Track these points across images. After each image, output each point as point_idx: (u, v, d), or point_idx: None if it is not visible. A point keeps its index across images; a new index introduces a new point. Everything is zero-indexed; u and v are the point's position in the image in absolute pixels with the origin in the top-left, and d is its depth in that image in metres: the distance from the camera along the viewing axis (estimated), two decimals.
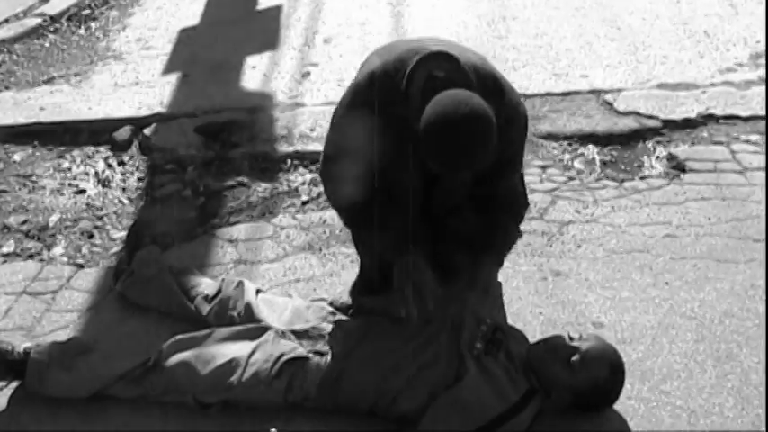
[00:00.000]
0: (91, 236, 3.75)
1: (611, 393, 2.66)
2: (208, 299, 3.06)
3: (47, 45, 5.66)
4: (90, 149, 4.45)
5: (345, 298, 3.11)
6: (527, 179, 3.91)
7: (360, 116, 2.58)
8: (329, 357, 2.71)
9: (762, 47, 5.12)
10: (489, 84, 2.56)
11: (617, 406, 2.71)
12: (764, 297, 3.18)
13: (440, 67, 2.49)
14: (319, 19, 5.84)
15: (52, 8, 6.03)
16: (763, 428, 2.67)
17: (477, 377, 2.61)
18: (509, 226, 2.90)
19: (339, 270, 3.42)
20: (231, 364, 2.70)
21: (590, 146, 4.28)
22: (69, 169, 4.28)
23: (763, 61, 4.95)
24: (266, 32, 5.69)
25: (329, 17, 5.86)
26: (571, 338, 2.63)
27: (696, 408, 2.75)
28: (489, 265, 2.99)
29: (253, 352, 2.73)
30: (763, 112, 4.43)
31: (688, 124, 4.41)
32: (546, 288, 3.29)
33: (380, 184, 2.60)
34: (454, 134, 2.31)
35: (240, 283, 3.06)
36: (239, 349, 2.75)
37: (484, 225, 2.81)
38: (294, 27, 5.75)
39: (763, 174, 3.93)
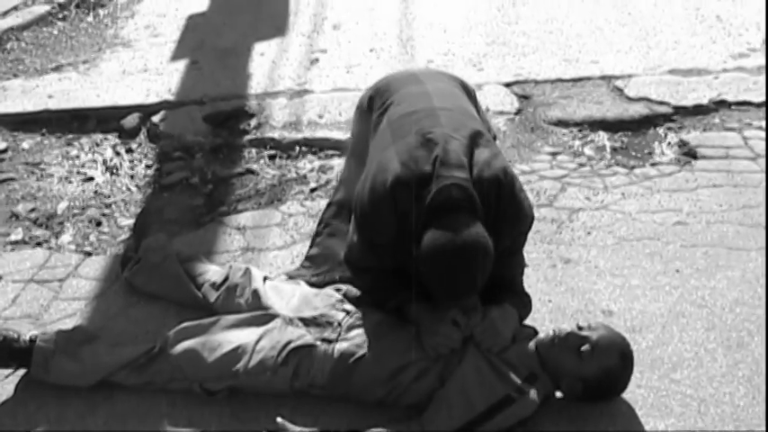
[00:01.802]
0: (99, 224, 3.74)
1: (620, 382, 2.64)
2: (215, 286, 3.05)
3: (55, 32, 5.65)
4: (98, 137, 4.44)
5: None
6: (537, 165, 3.92)
7: (381, 220, 2.68)
8: (343, 345, 2.70)
9: None
10: (497, 185, 2.66)
11: (626, 395, 2.69)
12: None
13: (454, 190, 2.57)
14: (328, 5, 5.81)
15: None
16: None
17: (478, 360, 2.61)
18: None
19: None
20: (237, 352, 2.70)
21: (600, 132, 4.25)
22: (77, 157, 4.27)
23: None
24: (275, 19, 5.66)
25: (338, 3, 5.83)
26: (580, 328, 2.61)
27: (706, 397, 2.72)
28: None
29: (259, 339, 2.72)
30: None
31: (700, 110, 4.37)
32: (555, 275, 3.27)
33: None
34: (450, 268, 2.52)
35: (247, 271, 3.05)
36: (246, 336, 2.74)
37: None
38: (303, 13, 5.72)
39: None
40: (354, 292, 2.96)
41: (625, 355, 2.61)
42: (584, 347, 2.55)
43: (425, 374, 2.63)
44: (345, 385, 2.68)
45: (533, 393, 2.59)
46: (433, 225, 2.54)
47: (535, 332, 2.79)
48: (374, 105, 3.04)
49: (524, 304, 2.88)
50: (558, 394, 2.70)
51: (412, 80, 3.05)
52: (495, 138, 3.02)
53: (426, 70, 3.41)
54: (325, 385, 2.68)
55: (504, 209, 2.67)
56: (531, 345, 2.69)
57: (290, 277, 3.16)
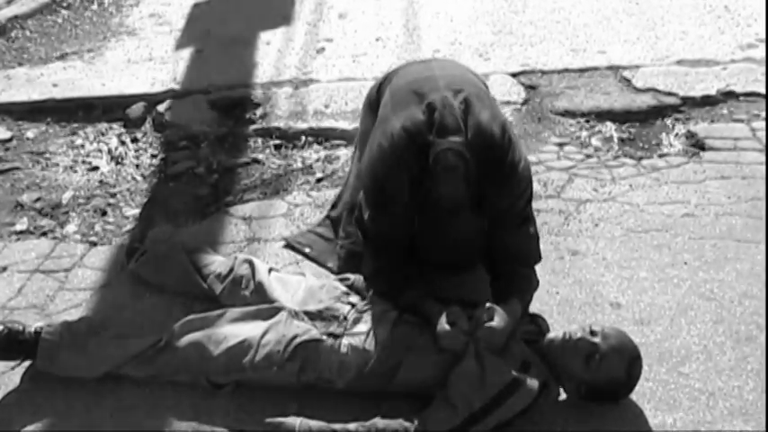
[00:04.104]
0: (104, 213, 3.73)
1: (625, 390, 2.64)
2: (220, 278, 3.05)
3: (60, 21, 5.62)
4: (103, 126, 4.43)
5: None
6: (544, 156, 3.90)
7: (393, 185, 2.75)
8: (351, 340, 2.70)
9: None
10: (490, 147, 2.73)
11: (634, 388, 2.67)
12: None
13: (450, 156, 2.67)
14: None
15: None
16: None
17: (477, 354, 2.60)
18: (522, 273, 2.91)
19: None
20: (243, 345, 2.68)
21: (608, 123, 4.22)
22: (82, 146, 4.26)
23: None
24: (280, 7, 5.63)
25: None
26: (593, 333, 2.58)
27: (715, 390, 2.71)
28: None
29: (265, 333, 2.71)
30: None
31: (707, 101, 4.34)
32: (563, 267, 3.25)
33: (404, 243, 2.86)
34: (444, 248, 2.83)
35: (251, 263, 3.04)
36: (251, 330, 2.73)
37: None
38: (308, 2, 5.68)
39: None
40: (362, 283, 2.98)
41: (632, 367, 2.59)
42: (594, 357, 2.55)
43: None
44: (371, 385, 2.67)
45: (530, 382, 2.57)
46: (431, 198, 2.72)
47: (533, 320, 2.80)
48: (381, 94, 3.05)
49: (531, 288, 2.90)
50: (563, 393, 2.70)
51: (419, 63, 3.17)
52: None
53: (437, 58, 3.47)
54: (345, 386, 2.67)
55: (496, 171, 2.73)
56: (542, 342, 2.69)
57: (287, 244, 3.39)
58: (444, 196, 2.70)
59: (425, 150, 2.69)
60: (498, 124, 2.77)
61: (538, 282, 2.92)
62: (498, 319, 2.63)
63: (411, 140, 2.71)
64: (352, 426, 2.54)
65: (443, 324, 2.64)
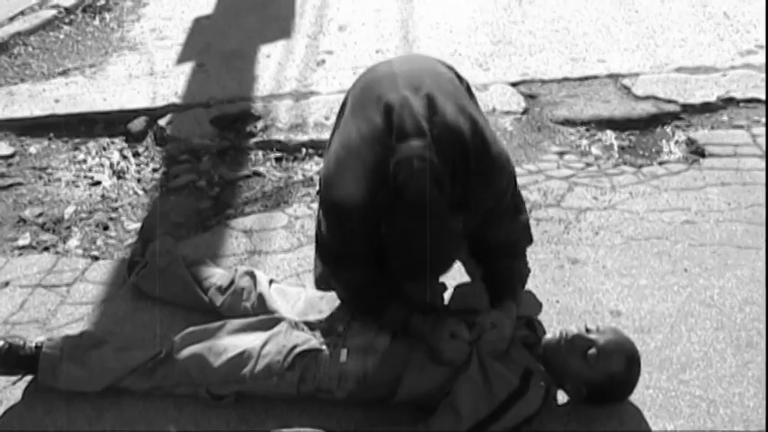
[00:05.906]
0: (106, 228, 3.74)
1: (626, 388, 2.63)
2: (221, 290, 3.05)
3: (62, 37, 5.65)
4: (105, 141, 4.44)
5: None
6: (544, 165, 3.90)
7: (351, 202, 2.54)
8: (352, 347, 2.70)
9: None
10: (461, 146, 2.51)
11: (635, 396, 2.67)
12: None
13: (415, 162, 2.41)
14: (333, 6, 5.80)
15: None
16: None
17: (482, 363, 2.59)
18: (514, 268, 2.88)
19: None
20: (243, 356, 2.69)
21: (608, 131, 4.23)
22: (84, 161, 4.28)
23: None
24: (280, 20, 5.66)
25: (343, 4, 5.82)
26: (588, 330, 2.59)
27: (716, 397, 2.71)
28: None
29: (265, 344, 2.71)
30: None
31: (707, 108, 4.35)
32: (563, 276, 3.25)
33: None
34: (419, 259, 2.50)
35: (252, 274, 3.05)
36: (251, 341, 2.73)
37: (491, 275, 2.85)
38: (308, 14, 5.72)
39: None
40: None
41: (631, 361, 2.59)
42: (591, 351, 2.54)
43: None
44: (371, 396, 2.67)
45: (534, 389, 2.57)
46: (399, 207, 2.44)
47: (529, 324, 2.81)
48: (345, 102, 2.89)
49: (524, 280, 2.91)
50: (564, 396, 2.69)
51: (383, 62, 2.89)
52: None
53: (403, 55, 3.27)
54: (345, 396, 2.67)
55: (474, 170, 2.52)
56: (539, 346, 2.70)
57: None
58: (413, 204, 2.40)
59: (387, 157, 2.44)
60: (466, 117, 2.55)
61: (529, 269, 2.92)
62: (500, 325, 2.64)
63: (369, 148, 2.49)
64: None
65: (445, 337, 2.63)
